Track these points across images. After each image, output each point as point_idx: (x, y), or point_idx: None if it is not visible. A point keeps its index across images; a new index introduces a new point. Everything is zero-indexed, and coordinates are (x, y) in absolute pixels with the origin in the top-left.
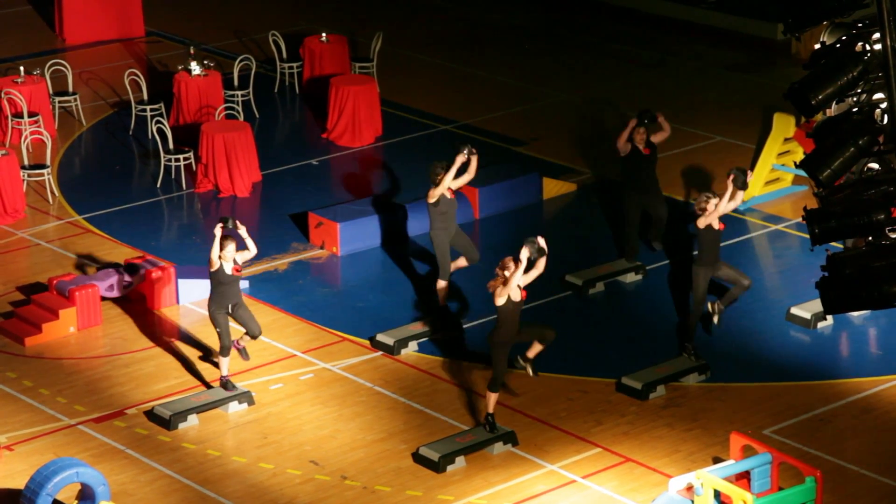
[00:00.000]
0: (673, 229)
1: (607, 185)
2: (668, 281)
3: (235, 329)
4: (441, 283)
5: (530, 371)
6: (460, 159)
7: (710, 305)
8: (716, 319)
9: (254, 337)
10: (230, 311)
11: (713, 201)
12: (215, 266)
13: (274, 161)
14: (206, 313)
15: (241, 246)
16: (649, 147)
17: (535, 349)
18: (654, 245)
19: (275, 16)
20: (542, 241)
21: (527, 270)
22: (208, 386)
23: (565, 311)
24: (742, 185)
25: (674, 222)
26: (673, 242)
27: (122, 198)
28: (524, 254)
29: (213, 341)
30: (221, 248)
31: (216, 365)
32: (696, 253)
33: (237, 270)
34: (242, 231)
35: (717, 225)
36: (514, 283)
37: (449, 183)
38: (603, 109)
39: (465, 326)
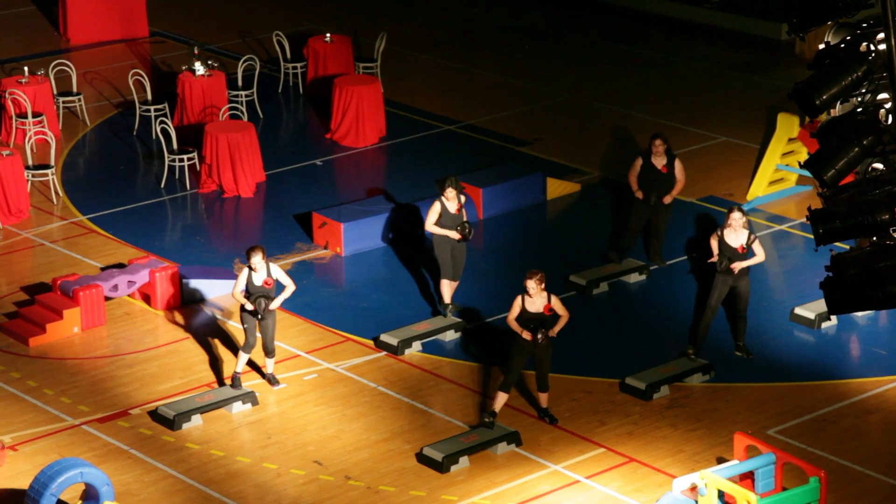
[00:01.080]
0: (676, 230)
1: (611, 185)
2: (672, 282)
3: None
4: (444, 282)
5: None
6: (436, 207)
7: (736, 347)
8: (746, 356)
9: (264, 352)
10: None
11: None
12: (236, 298)
13: (278, 161)
14: (209, 314)
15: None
16: (667, 167)
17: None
18: (656, 261)
19: (278, 16)
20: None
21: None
22: (221, 383)
23: (569, 312)
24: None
25: (677, 222)
26: (675, 243)
27: (126, 198)
28: (536, 334)
29: (214, 342)
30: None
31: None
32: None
33: (267, 284)
34: (277, 272)
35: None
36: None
37: (432, 226)
38: (606, 109)
39: (468, 327)
